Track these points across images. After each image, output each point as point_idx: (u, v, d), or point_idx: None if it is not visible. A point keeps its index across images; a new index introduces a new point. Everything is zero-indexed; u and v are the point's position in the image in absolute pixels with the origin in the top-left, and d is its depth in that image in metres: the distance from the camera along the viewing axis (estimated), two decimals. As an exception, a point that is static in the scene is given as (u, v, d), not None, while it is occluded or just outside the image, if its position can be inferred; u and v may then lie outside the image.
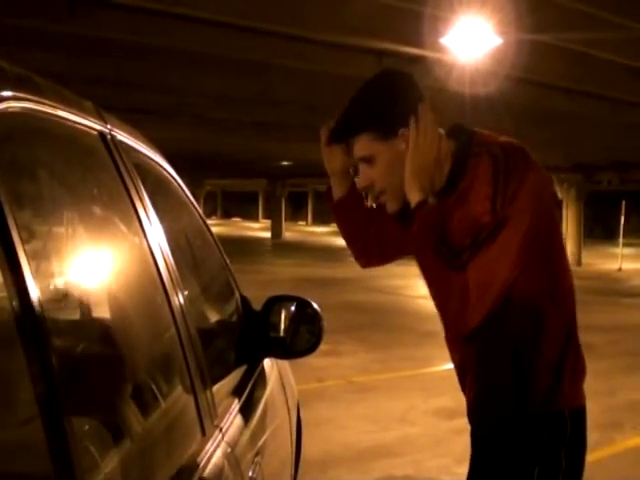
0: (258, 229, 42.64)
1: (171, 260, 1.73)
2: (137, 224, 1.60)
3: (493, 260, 1.83)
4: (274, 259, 23.31)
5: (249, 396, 2.20)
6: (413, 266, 2.00)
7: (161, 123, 13.61)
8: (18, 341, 0.99)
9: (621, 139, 15.34)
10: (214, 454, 1.62)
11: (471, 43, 7.71)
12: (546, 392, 1.90)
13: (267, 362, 2.64)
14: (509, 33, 7.38)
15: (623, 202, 21.81)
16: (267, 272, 17.33)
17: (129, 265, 1.61)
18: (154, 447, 1.44)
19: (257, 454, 2.05)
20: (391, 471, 5.08)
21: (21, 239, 1.02)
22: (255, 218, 53.28)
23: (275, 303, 2.51)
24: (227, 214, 56.15)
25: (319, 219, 46.42)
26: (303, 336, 2.47)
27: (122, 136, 1.71)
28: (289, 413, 2.95)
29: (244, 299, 2.55)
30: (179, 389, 1.67)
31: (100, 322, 1.44)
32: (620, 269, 21.18)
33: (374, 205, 2.13)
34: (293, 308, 2.48)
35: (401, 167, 1.94)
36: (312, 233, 39.39)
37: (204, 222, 2.53)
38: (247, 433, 2.02)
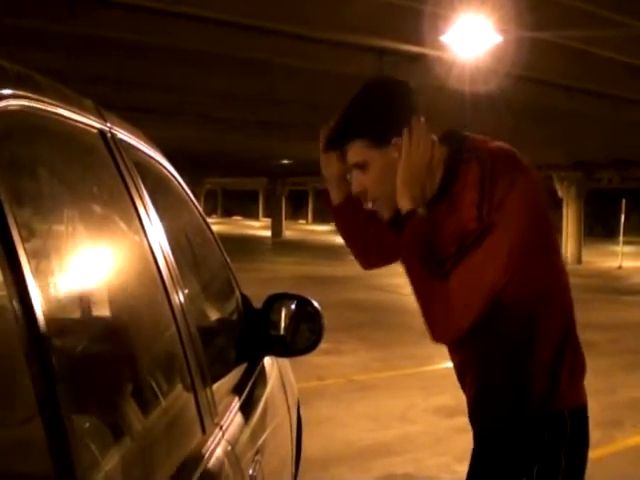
0: (258, 227, 42.66)
1: (171, 258, 1.73)
2: (137, 222, 1.60)
3: (478, 266, 1.83)
4: (274, 257, 23.31)
5: (249, 394, 2.20)
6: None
7: (162, 122, 13.61)
8: (18, 340, 0.99)
9: (621, 137, 15.35)
10: (214, 452, 1.62)
11: (471, 41, 7.72)
12: (543, 394, 1.90)
13: (267, 360, 2.64)
14: (509, 31, 7.38)
15: (623, 200, 21.81)
16: (267, 270, 17.33)
17: (129, 263, 1.60)
18: (154, 445, 1.44)
19: (257, 452, 2.05)
20: (391, 469, 5.09)
21: (21, 237, 1.02)
22: (255, 216, 53.31)
23: (275, 301, 2.51)
24: (227, 212, 56.17)
25: (319, 217, 46.40)
26: (303, 334, 2.47)
27: (122, 134, 1.71)
28: (289, 411, 2.95)
29: (244, 297, 2.55)
30: (179, 387, 1.67)
31: (100, 320, 1.44)
32: (620, 267, 21.19)
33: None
34: (293, 306, 2.49)
35: (394, 175, 1.94)
36: (312, 231, 39.39)
37: (204, 220, 2.53)
38: (247, 431, 2.03)
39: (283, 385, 2.92)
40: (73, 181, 1.45)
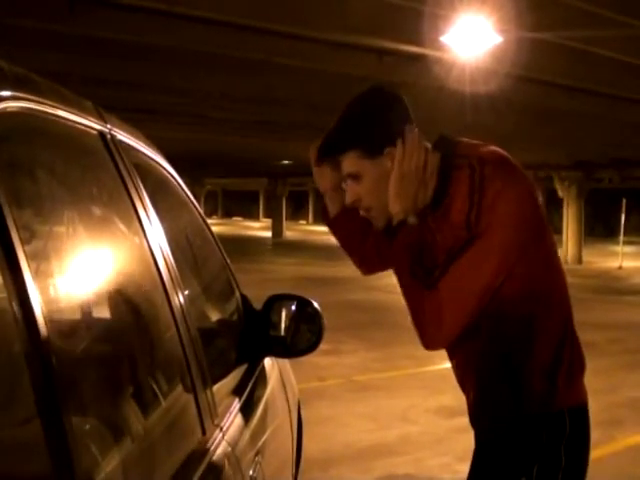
0: (259, 228, 42.65)
1: (171, 259, 1.73)
2: (137, 224, 1.60)
3: (464, 274, 1.83)
4: (275, 258, 23.31)
5: (250, 395, 2.20)
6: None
7: (162, 123, 13.61)
8: (18, 341, 0.99)
9: (622, 137, 15.34)
10: (214, 453, 1.62)
11: (471, 41, 7.71)
12: (542, 394, 1.90)
13: (268, 361, 2.64)
14: (509, 31, 7.37)
15: (624, 200, 21.81)
16: (268, 271, 17.33)
17: (129, 265, 1.61)
18: (154, 446, 1.44)
19: (258, 453, 2.05)
20: (392, 470, 5.09)
21: (21, 239, 1.02)
22: (256, 217, 53.29)
23: (275, 302, 2.51)
24: (228, 213, 56.16)
25: (320, 218, 46.25)
26: (303, 335, 2.47)
27: (122, 135, 1.71)
28: (290, 412, 2.95)
29: (244, 298, 2.55)
30: (179, 388, 1.67)
31: (100, 321, 1.44)
32: (621, 267, 21.19)
33: None
34: (293, 307, 2.49)
35: (387, 185, 1.94)
36: (313, 232, 39.33)
37: (204, 221, 2.53)
38: (248, 432, 2.02)
39: (283, 386, 2.92)
40: (73, 183, 1.45)
